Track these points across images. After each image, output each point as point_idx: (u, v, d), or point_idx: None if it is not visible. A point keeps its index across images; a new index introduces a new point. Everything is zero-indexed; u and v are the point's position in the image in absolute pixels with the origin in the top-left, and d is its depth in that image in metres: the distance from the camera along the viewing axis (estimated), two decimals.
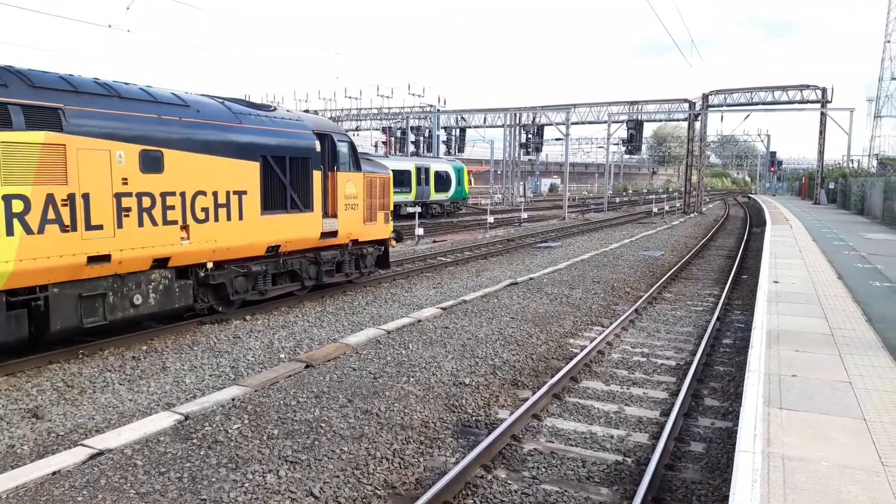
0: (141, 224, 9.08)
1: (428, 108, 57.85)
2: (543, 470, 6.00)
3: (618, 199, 68.46)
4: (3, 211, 7.49)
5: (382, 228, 14.68)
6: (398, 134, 58.72)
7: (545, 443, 6.62)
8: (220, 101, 11.11)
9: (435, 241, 25.11)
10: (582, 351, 9.53)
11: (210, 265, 10.50)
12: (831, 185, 45.96)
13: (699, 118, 48.16)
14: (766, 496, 4.09)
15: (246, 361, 8.76)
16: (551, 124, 53.51)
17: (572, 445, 6.57)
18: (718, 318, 12.10)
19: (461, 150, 58.80)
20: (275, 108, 12.44)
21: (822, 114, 44.07)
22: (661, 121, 62.53)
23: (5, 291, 7.78)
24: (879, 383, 6.38)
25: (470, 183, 46.36)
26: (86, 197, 8.35)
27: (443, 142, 57.20)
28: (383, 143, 59.70)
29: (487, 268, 18.07)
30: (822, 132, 44.70)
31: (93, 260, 8.51)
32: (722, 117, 53.84)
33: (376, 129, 62.62)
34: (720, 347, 10.45)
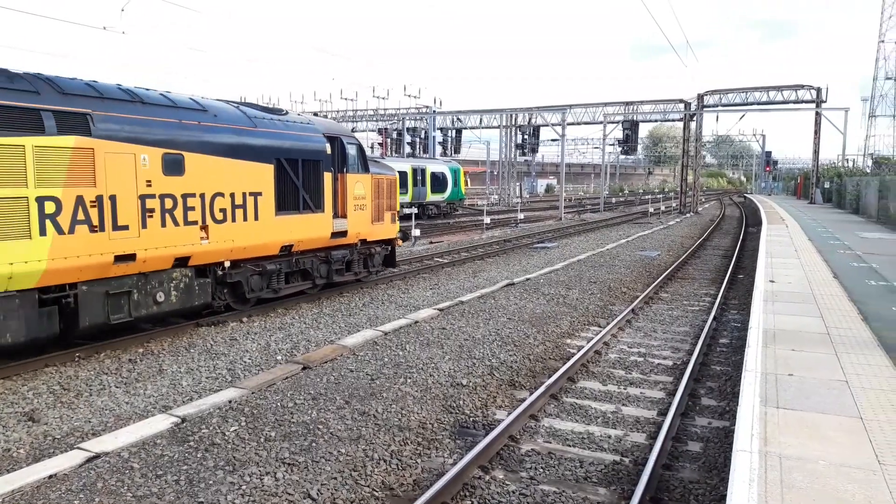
0: (164, 224, 9.45)
1: (424, 110, 57.88)
2: (541, 470, 6.00)
3: (614, 200, 68.51)
4: (36, 212, 7.83)
5: (390, 228, 15.05)
6: (394, 135, 58.65)
7: (543, 443, 6.62)
8: (235, 105, 11.47)
9: (431, 243, 25.11)
10: (579, 351, 9.54)
11: (227, 264, 10.87)
12: (827, 185, 46.09)
13: (694, 118, 48.26)
14: (763, 495, 4.09)
15: (243, 363, 8.75)
16: (547, 125, 53.54)
17: (570, 446, 6.57)
18: (715, 318, 12.12)
19: (457, 151, 58.80)
20: (286, 112, 12.79)
21: (817, 113, 44.19)
22: (656, 121, 62.76)
23: (38, 289, 8.10)
24: (876, 382, 6.40)
25: (466, 184, 46.36)
26: (113, 198, 8.72)
27: (439, 143, 57.22)
28: (379, 144, 59.63)
29: (484, 268, 18.08)
30: (817, 132, 44.81)
31: (119, 259, 8.88)
32: (717, 117, 54.15)
33: (372, 131, 62.59)
34: (717, 347, 10.46)
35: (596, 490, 5.66)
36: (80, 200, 8.31)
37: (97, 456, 5.66)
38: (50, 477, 5.30)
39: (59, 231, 8.09)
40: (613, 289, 15.04)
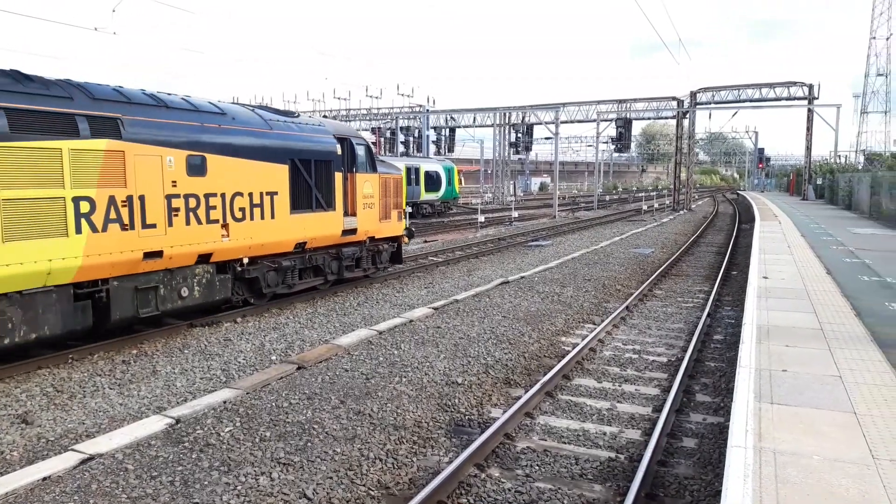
0: (188, 223, 9.93)
1: (418, 109, 57.79)
2: (537, 468, 6.00)
3: (608, 197, 68.66)
4: (72, 211, 8.28)
5: (396, 226, 15.54)
6: (388, 134, 58.63)
7: (538, 441, 6.63)
8: (251, 108, 11.97)
9: (426, 242, 25.10)
10: (574, 349, 9.55)
11: (246, 261, 11.32)
12: (819, 181, 46.30)
13: (687, 116, 48.38)
14: (758, 491, 4.11)
15: (237, 364, 8.72)
16: (541, 123, 53.59)
17: (565, 443, 6.58)
18: (709, 315, 12.15)
19: (451, 149, 58.76)
20: (298, 115, 13.34)
21: (810, 110, 44.35)
22: (649, 119, 62.89)
23: (73, 284, 8.53)
24: (869, 377, 6.43)
25: (460, 182, 46.40)
26: (142, 198, 9.20)
27: (432, 142, 57.16)
28: (373, 143, 59.54)
29: (479, 267, 18.08)
30: (809, 128, 45.00)
31: (148, 256, 9.36)
32: (710, 115, 54.15)
33: (365, 130, 62.34)
34: (711, 343, 10.49)
35: (591, 487, 5.67)
36: (112, 200, 8.77)
37: (91, 458, 5.64)
38: (44, 479, 5.27)
39: (94, 229, 8.55)
40: (608, 286, 15.07)
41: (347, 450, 6.02)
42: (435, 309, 11.82)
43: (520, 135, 55.60)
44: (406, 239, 16.34)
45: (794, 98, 44.90)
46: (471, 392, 7.80)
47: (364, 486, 5.48)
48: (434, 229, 30.69)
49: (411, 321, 10.84)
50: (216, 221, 10.38)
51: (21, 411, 7.02)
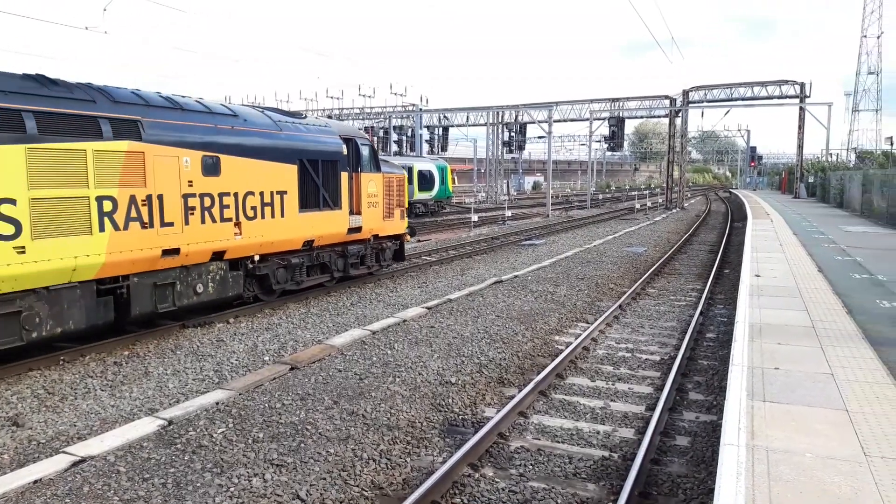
0: (203, 221, 10.26)
1: (410, 108, 57.69)
2: (530, 467, 6.00)
3: (601, 196, 68.74)
4: (96, 210, 8.59)
5: (399, 224, 15.95)
6: (380, 133, 58.49)
7: (532, 440, 6.63)
8: (261, 110, 12.29)
9: (419, 241, 25.08)
10: (567, 348, 9.56)
11: (257, 258, 11.67)
12: (811, 180, 46.52)
13: (680, 114, 48.49)
14: (750, 488, 4.12)
15: (230, 365, 8.69)
16: (534, 122, 53.58)
17: (559, 442, 6.58)
18: (701, 313, 12.19)
19: (444, 149, 58.69)
20: (305, 116, 13.71)
21: (801, 109, 44.53)
22: (642, 117, 63.00)
23: (95, 280, 8.84)
24: (861, 374, 6.46)
25: (453, 182, 46.35)
26: (160, 198, 9.52)
27: (426, 141, 57.10)
28: None
29: (472, 266, 18.08)
30: (801, 127, 45.16)
31: (166, 253, 9.68)
32: (702, 113, 54.40)
33: (358, 129, 62.29)
34: (704, 342, 10.52)
35: (585, 486, 5.67)
36: (132, 199, 9.09)
37: (83, 460, 5.60)
38: (35, 482, 5.23)
39: (116, 227, 8.86)
40: (601, 285, 15.10)
41: (341, 450, 6.00)
42: (428, 308, 11.81)
43: (513, 134, 55.62)
44: (408, 237, 16.73)
45: (786, 96, 45.06)
46: (464, 391, 7.80)
47: (358, 486, 5.47)
48: (427, 228, 30.67)
49: (405, 321, 10.83)
50: (229, 220, 10.71)
51: (12, 414, 6.97)
